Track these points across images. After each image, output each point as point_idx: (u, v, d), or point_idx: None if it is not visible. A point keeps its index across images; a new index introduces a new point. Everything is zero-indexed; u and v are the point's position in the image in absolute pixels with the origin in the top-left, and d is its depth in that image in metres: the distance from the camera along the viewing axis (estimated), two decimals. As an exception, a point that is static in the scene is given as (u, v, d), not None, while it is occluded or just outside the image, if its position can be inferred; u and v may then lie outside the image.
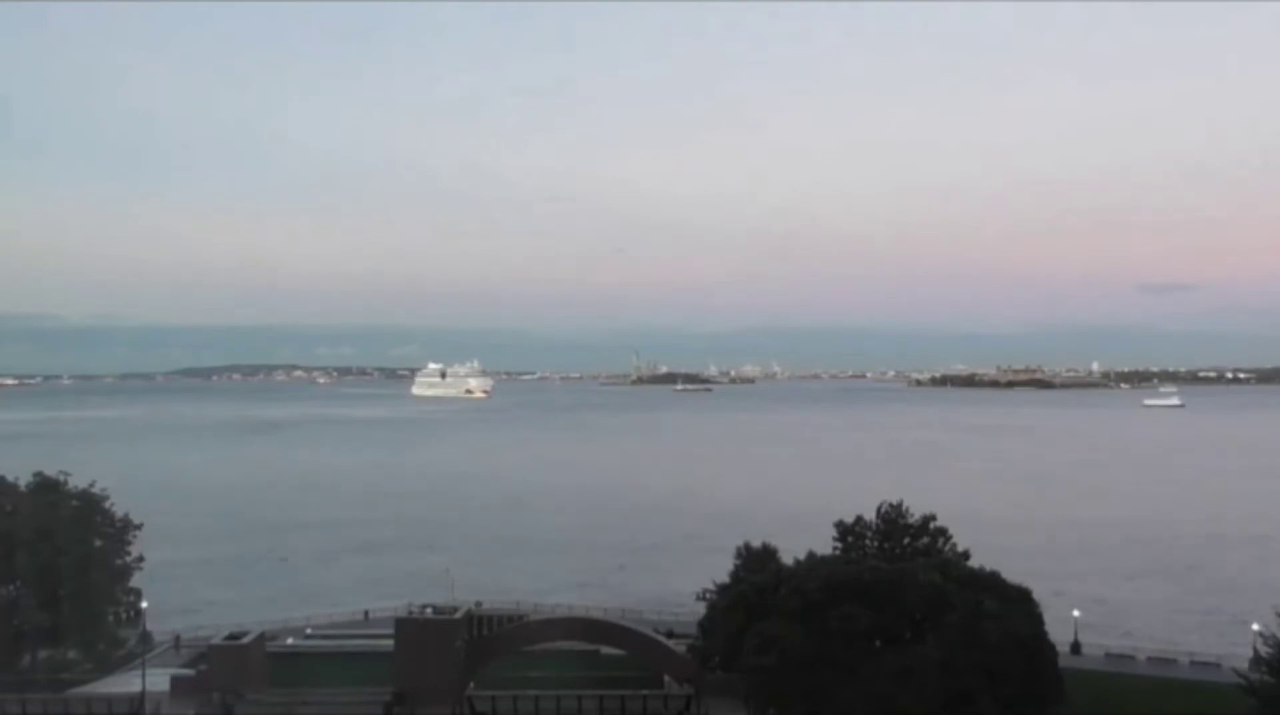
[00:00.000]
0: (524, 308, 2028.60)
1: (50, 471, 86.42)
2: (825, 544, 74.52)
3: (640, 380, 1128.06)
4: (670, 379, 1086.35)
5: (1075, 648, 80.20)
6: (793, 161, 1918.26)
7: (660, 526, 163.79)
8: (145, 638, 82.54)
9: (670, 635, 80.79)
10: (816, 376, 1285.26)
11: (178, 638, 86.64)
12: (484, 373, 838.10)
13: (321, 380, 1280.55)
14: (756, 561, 75.71)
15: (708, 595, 76.50)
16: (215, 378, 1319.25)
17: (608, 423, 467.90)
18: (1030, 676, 57.38)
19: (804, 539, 75.84)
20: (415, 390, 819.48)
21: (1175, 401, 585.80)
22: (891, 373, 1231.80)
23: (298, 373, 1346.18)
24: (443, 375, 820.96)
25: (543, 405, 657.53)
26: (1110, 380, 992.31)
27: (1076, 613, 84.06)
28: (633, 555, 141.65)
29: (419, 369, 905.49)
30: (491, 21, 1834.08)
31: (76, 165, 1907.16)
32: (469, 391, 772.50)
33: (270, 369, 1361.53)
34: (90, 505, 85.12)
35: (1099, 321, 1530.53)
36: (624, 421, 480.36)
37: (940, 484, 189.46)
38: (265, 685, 73.22)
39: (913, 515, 76.30)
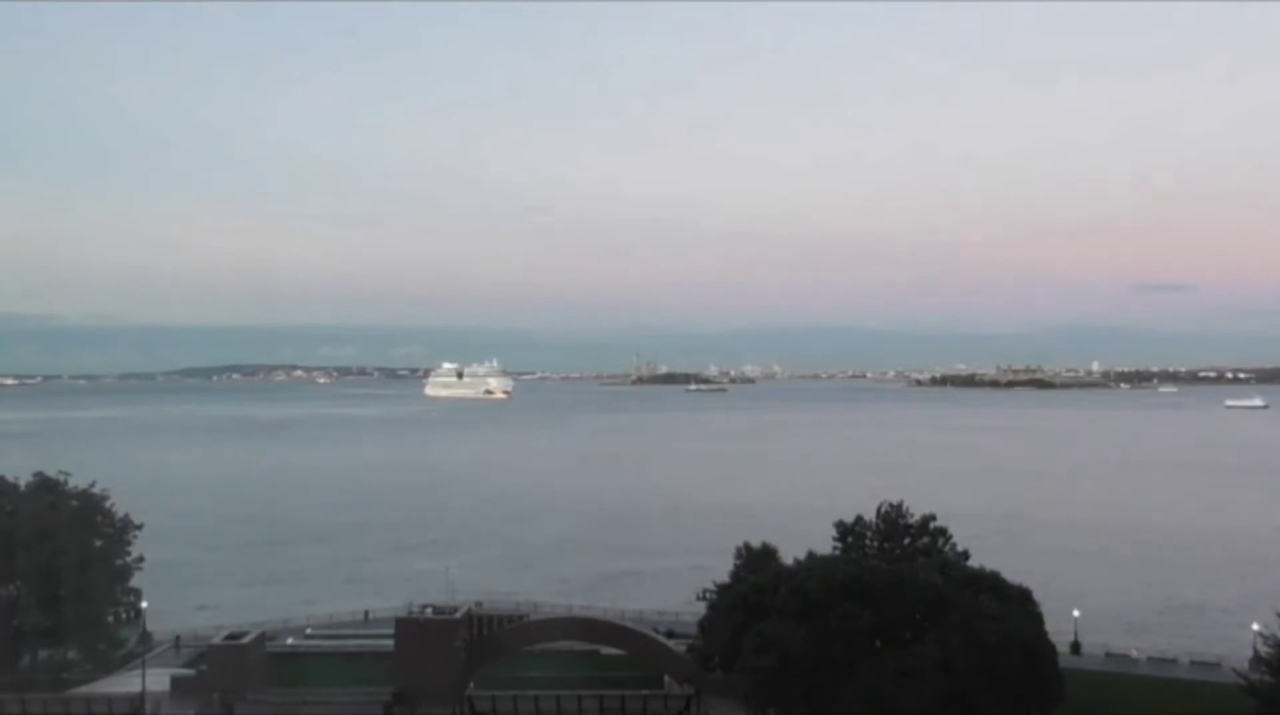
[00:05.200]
0: (523, 308, 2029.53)
1: (50, 471, 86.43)
2: (825, 544, 74.54)
3: (640, 380, 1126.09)
4: (670, 379, 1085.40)
5: (1075, 648, 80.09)
6: (793, 163, 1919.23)
7: (661, 526, 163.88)
8: (145, 638, 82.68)
9: (670, 635, 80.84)
10: (816, 376, 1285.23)
11: (178, 638, 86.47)
12: (504, 373, 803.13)
13: (322, 380, 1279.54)
14: (756, 561, 75.77)
15: (708, 595, 76.50)
16: (215, 378, 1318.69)
17: (626, 422, 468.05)
18: (1030, 677, 57.38)
19: (804, 539, 75.83)
20: (429, 391, 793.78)
21: (1259, 402, 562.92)
22: (891, 373, 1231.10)
23: (298, 373, 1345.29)
24: (459, 375, 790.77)
25: (558, 406, 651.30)
26: (1110, 380, 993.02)
27: (1076, 613, 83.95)
28: (633, 555, 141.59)
29: (419, 369, 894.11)
30: (495, 22, 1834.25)
31: (76, 166, 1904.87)
32: (489, 392, 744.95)
33: (270, 369, 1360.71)
34: (90, 505, 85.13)
35: (1099, 321, 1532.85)
36: (644, 421, 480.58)
37: (944, 484, 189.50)
38: (265, 685, 73.23)
39: (913, 515, 76.31)
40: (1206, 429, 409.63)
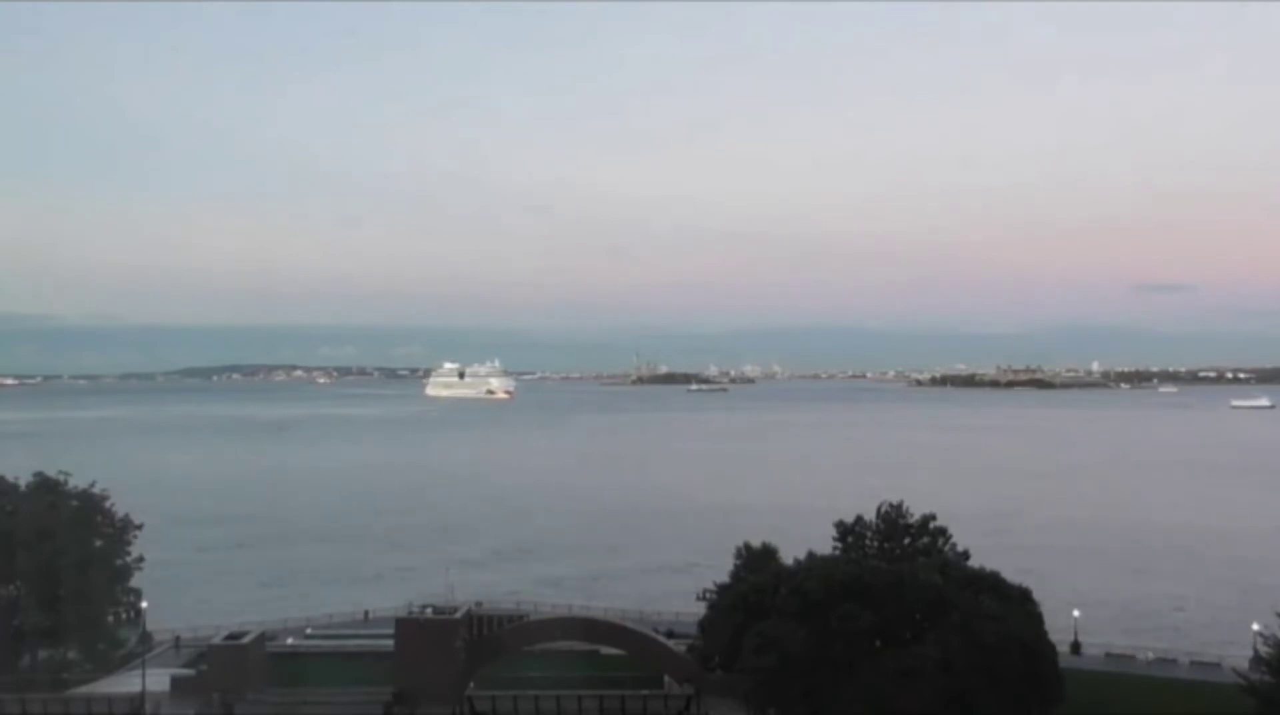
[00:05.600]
0: (523, 308, 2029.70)
1: (50, 471, 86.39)
2: (825, 544, 74.50)
3: (640, 380, 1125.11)
4: (669, 379, 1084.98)
5: (1075, 648, 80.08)
6: (793, 163, 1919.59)
7: (661, 526, 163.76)
8: (145, 638, 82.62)
9: (670, 635, 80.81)
10: (816, 376, 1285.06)
11: (178, 638, 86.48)
12: (505, 373, 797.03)
13: (321, 380, 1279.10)
14: (756, 561, 75.67)
15: (708, 595, 76.42)
16: (215, 378, 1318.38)
17: (628, 423, 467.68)
18: (1030, 676, 57.35)
19: (804, 539, 75.80)
20: (430, 391, 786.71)
21: (1265, 402, 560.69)
22: (891, 373, 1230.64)
23: (298, 373, 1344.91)
24: (461, 375, 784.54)
25: (559, 406, 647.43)
26: (1110, 380, 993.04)
27: (1076, 613, 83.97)
28: (633, 555, 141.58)
29: (419, 369, 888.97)
30: (495, 22, 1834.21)
31: (77, 166, 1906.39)
32: (491, 392, 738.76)
33: (270, 369, 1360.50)
34: (90, 505, 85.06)
35: (1099, 321, 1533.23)
36: (645, 421, 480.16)
37: (944, 484, 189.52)
38: (265, 685, 73.22)
39: (913, 515, 76.23)
40: (1211, 429, 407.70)
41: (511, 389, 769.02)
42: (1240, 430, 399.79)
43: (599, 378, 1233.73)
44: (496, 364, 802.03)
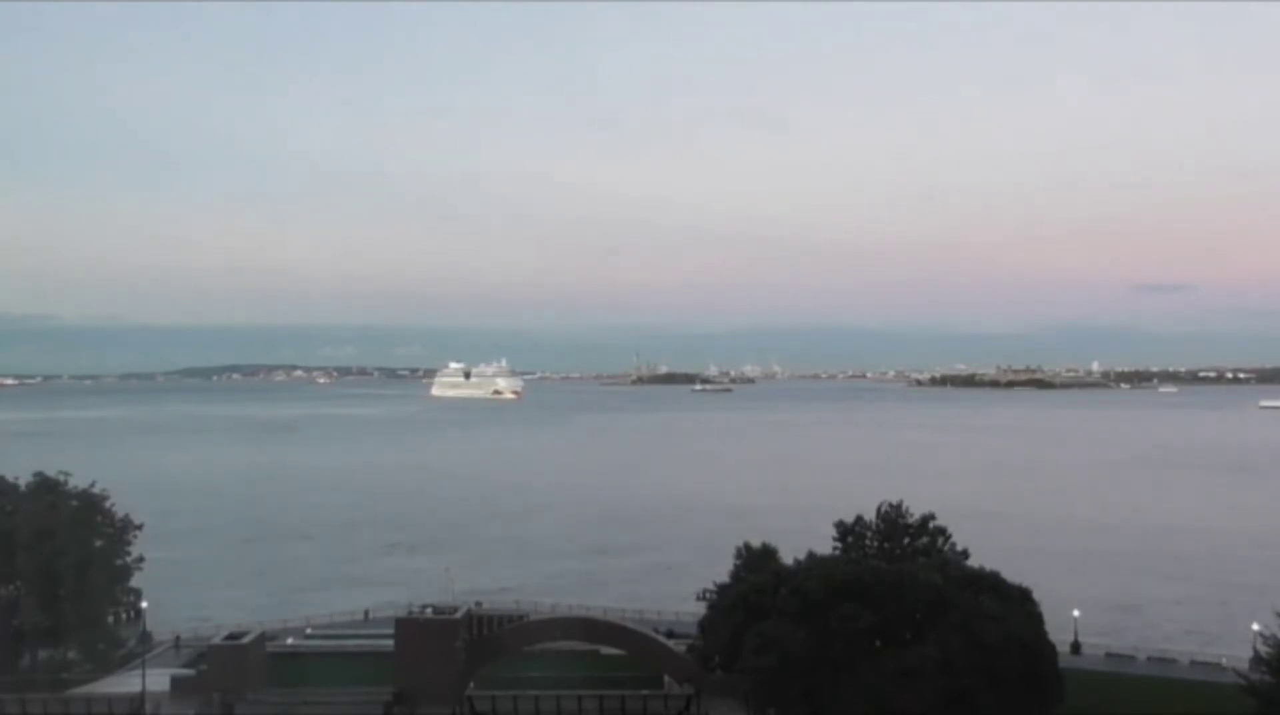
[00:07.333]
0: (523, 308, 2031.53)
1: (50, 471, 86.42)
2: (825, 544, 74.50)
3: (640, 380, 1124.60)
4: (670, 379, 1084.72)
5: (1075, 648, 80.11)
6: (795, 163, 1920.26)
7: (661, 526, 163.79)
8: (145, 638, 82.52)
9: (670, 635, 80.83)
10: (816, 376, 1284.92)
11: (178, 638, 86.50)
12: (512, 373, 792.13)
13: (322, 380, 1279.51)
14: (756, 561, 75.61)
15: (708, 595, 76.42)
16: (215, 378, 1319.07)
17: (631, 423, 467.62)
18: (1030, 676, 57.33)
19: (804, 539, 75.81)
20: (435, 391, 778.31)
21: None
22: (891, 373, 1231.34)
23: (298, 373, 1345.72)
24: (467, 375, 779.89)
25: (562, 406, 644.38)
26: (1110, 380, 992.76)
27: (1076, 613, 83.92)
28: (634, 555, 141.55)
29: (419, 369, 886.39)
30: (495, 21, 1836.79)
31: (77, 166, 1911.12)
32: (498, 392, 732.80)
33: (270, 369, 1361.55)
34: (90, 505, 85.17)
35: (1099, 321, 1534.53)
36: (648, 422, 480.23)
37: (944, 484, 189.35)
38: (265, 685, 73.19)
39: (913, 515, 76.21)
40: (1240, 431, 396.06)
41: (519, 389, 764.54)
42: (1272, 431, 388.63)
43: (599, 378, 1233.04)
44: (503, 364, 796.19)
